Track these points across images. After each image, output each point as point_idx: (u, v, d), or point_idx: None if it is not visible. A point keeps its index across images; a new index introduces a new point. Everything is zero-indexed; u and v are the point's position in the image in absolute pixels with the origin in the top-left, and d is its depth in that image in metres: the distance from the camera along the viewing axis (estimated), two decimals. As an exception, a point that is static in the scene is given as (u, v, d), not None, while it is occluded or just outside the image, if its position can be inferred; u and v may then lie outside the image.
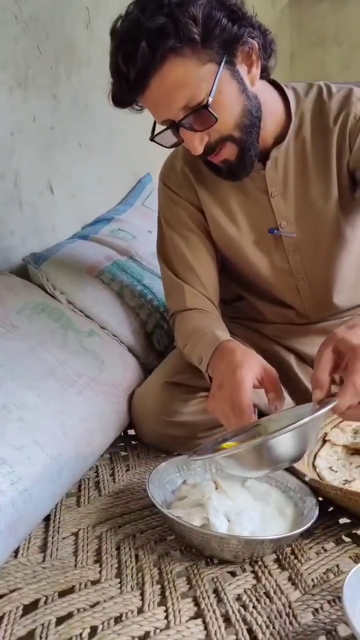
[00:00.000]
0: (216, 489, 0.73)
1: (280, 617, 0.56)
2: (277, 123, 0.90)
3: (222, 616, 0.56)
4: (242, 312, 1.09)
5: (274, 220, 0.95)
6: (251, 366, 0.76)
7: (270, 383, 0.76)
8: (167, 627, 0.55)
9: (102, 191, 1.47)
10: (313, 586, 0.61)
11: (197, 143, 0.80)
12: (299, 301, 1.00)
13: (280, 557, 0.66)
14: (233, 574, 0.63)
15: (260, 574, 0.63)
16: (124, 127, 1.53)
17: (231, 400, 0.73)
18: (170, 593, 0.59)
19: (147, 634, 0.54)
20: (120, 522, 0.72)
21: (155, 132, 0.84)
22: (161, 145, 0.85)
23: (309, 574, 0.63)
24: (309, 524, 0.64)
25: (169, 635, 0.54)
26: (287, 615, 0.56)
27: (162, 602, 0.58)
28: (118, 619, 0.56)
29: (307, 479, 0.71)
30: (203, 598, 0.59)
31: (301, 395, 0.97)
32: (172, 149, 0.96)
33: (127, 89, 0.78)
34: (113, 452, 0.92)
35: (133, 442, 0.96)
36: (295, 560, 0.65)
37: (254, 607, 0.58)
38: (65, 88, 1.32)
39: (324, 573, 0.63)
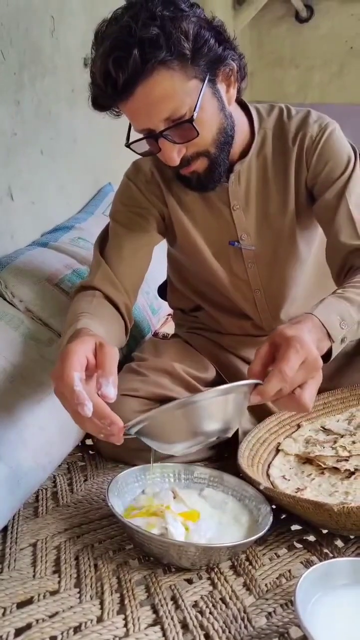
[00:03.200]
0: (174, 498, 0.75)
1: (236, 621, 0.58)
2: (242, 140, 0.95)
3: (179, 622, 0.58)
4: (200, 322, 1.12)
5: (235, 232, 0.99)
6: (84, 341, 0.70)
7: (101, 360, 0.68)
8: (127, 635, 0.56)
9: (63, 199, 1.47)
10: (267, 591, 0.63)
11: (175, 155, 0.83)
12: (255, 312, 1.05)
13: (236, 563, 0.68)
14: (190, 581, 0.65)
15: (216, 580, 0.65)
16: (87, 137, 1.54)
17: (57, 371, 0.67)
18: (129, 601, 0.60)
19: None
20: (78, 532, 0.73)
21: (132, 139, 0.86)
22: (135, 152, 0.87)
23: (262, 579, 0.65)
24: (263, 531, 0.67)
25: (128, 643, 0.55)
26: (242, 619, 0.59)
27: (121, 610, 0.59)
28: (77, 629, 0.56)
29: (262, 487, 0.74)
30: (161, 605, 0.60)
31: (257, 406, 1.00)
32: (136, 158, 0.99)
33: (112, 94, 0.79)
34: (71, 462, 0.92)
35: (91, 452, 0.96)
36: (250, 567, 0.67)
37: (210, 612, 0.60)
38: (29, 95, 1.31)
39: (276, 578, 0.66)
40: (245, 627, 0.58)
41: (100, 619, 0.58)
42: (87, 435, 0.97)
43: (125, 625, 0.57)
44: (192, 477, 0.80)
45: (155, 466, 0.79)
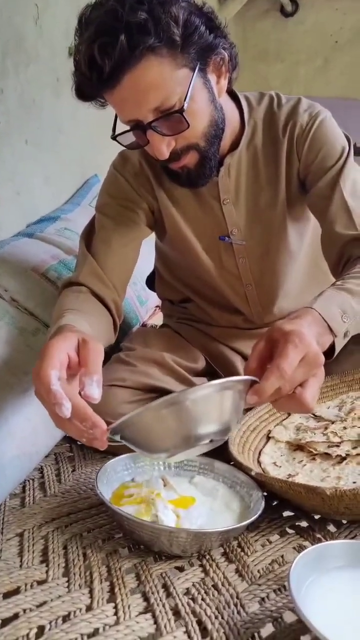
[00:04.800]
0: (164, 485, 0.73)
1: (229, 607, 0.57)
2: (232, 132, 0.92)
3: (171, 609, 0.56)
4: (190, 313, 1.11)
5: (225, 227, 0.97)
6: (66, 337, 0.65)
7: (84, 357, 0.63)
8: (117, 622, 0.54)
9: (48, 190, 1.45)
10: (259, 577, 0.62)
11: (164, 148, 0.79)
12: (247, 307, 1.03)
13: (228, 550, 0.67)
14: (181, 569, 0.64)
15: (208, 567, 0.64)
16: (73, 128, 1.52)
17: (35, 369, 0.62)
18: (119, 589, 0.59)
19: (96, 630, 0.53)
20: (67, 521, 0.71)
21: (118, 132, 0.82)
22: (122, 145, 0.84)
23: (255, 565, 0.64)
24: (255, 517, 0.65)
25: (119, 631, 0.53)
26: (235, 605, 0.57)
27: (111, 598, 0.58)
28: (66, 618, 0.55)
29: (253, 473, 0.73)
30: (152, 593, 0.58)
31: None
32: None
33: (98, 82, 0.75)
34: (58, 452, 0.90)
35: (79, 443, 0.94)
36: (242, 553, 0.66)
37: (202, 599, 0.58)
38: (12, 83, 1.29)
39: (269, 564, 0.64)
40: (239, 612, 0.56)
41: (89, 608, 0.56)
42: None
43: (116, 613, 0.55)
44: (182, 465, 0.78)
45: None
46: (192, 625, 0.54)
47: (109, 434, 0.60)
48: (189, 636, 0.53)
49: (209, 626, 0.54)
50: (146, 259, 1.23)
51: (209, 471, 0.77)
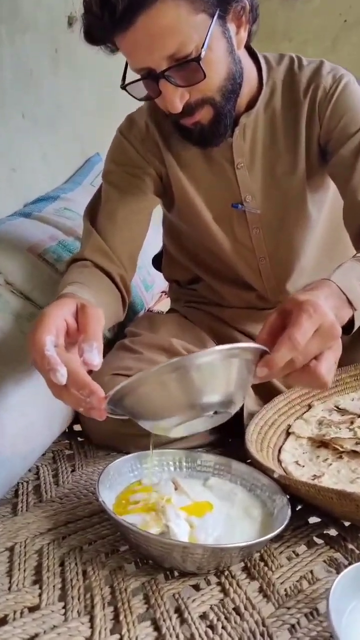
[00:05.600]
0: (175, 489, 0.63)
1: (254, 637, 0.47)
2: (249, 91, 0.83)
3: (186, 641, 0.47)
4: (199, 295, 1.01)
5: (238, 193, 0.87)
6: (63, 303, 0.61)
7: (83, 323, 0.59)
8: (122, 660, 0.45)
9: (46, 168, 1.34)
10: (287, 597, 0.52)
11: (177, 100, 0.71)
12: (260, 282, 0.93)
13: (249, 564, 0.57)
14: (197, 587, 0.54)
15: (227, 586, 0.54)
16: (73, 103, 1.41)
17: (29, 336, 0.58)
18: (125, 617, 0.49)
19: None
20: (64, 532, 0.61)
21: (128, 81, 0.73)
22: (132, 95, 0.75)
23: (281, 583, 0.54)
24: (281, 527, 0.55)
25: (125, 672, 0.44)
26: (262, 635, 0.48)
27: (116, 628, 0.48)
28: (62, 654, 0.45)
29: (275, 475, 0.63)
30: (164, 620, 0.49)
31: (263, 385, 0.89)
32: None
33: (110, 23, 0.66)
34: (56, 450, 0.80)
35: (79, 439, 0.85)
36: (266, 568, 0.56)
37: (223, 627, 0.48)
38: (7, 51, 1.17)
39: (297, 581, 0.55)
40: (266, 644, 0.47)
41: (90, 641, 0.46)
42: (75, 420, 0.86)
43: (121, 647, 0.46)
44: (195, 465, 0.69)
45: (153, 453, 0.67)
46: (212, 663, 0.45)
47: (107, 405, 0.54)
48: None
49: (233, 665, 0.44)
50: (152, 242, 1.13)
51: (225, 472, 0.67)
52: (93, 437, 0.82)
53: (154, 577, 0.54)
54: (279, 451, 0.75)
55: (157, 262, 1.11)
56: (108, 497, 0.59)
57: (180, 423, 0.54)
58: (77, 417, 0.85)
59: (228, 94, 0.75)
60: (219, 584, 0.54)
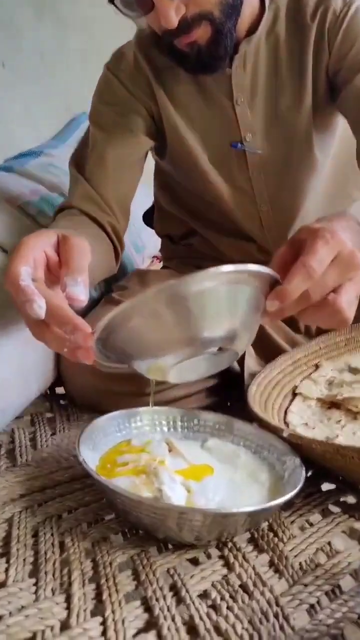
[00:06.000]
0: (169, 451, 0.54)
1: (267, 619, 0.38)
2: (251, 13, 0.73)
3: (184, 624, 0.38)
4: (194, 250, 0.91)
5: (237, 132, 0.78)
6: (42, 234, 0.52)
7: (66, 255, 0.50)
8: (105, 648, 0.35)
9: (29, 123, 1.23)
10: (303, 572, 0.43)
11: (172, 13, 0.62)
12: (261, 232, 0.84)
13: (256, 535, 0.48)
14: (195, 561, 0.45)
15: (231, 559, 0.45)
16: (58, 54, 1.30)
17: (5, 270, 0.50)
18: (110, 595, 0.40)
19: (74, 662, 0.34)
20: (39, 499, 0.51)
21: None
22: (121, 12, 0.66)
23: (295, 556, 0.45)
24: (295, 490, 0.46)
25: (108, 663, 0.34)
26: (276, 616, 0.39)
27: (98, 609, 0.38)
28: (30, 641, 0.36)
29: (285, 434, 0.53)
30: (157, 599, 0.39)
31: (265, 344, 0.80)
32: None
33: None
34: (36, 413, 0.70)
35: (62, 402, 0.75)
36: (276, 539, 0.47)
37: (228, 607, 0.39)
38: (-16, -9, 1.07)
39: (313, 554, 0.46)
40: (282, 628, 0.38)
41: (65, 625, 0.37)
42: (58, 382, 0.76)
43: (104, 632, 0.36)
44: (191, 425, 0.59)
45: (144, 411, 0.58)
46: (216, 651, 0.36)
47: (95, 346, 0.45)
48: (213, 669, 0.34)
49: (243, 653, 0.35)
50: (142, 200, 1.03)
51: (227, 433, 0.58)
52: (77, 397, 0.73)
53: (144, 550, 0.45)
54: (285, 413, 0.66)
55: (148, 217, 1.02)
56: (91, 459, 0.50)
57: (179, 362, 0.45)
58: (59, 379, 0.75)
59: (228, 9, 0.66)
60: (221, 557, 0.45)
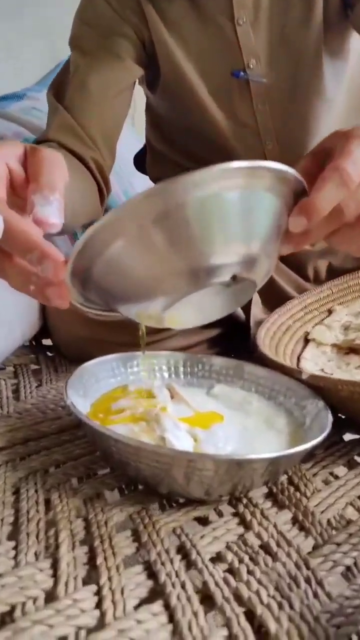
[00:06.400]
0: (172, 398, 0.47)
1: (297, 585, 0.31)
2: None
3: (197, 593, 0.30)
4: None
5: (240, 58, 0.68)
6: (5, 144, 0.41)
7: (34, 169, 0.39)
8: (102, 623, 0.28)
9: (9, 64, 1.12)
10: (333, 529, 0.36)
11: None
12: None
13: (275, 490, 0.41)
14: (204, 521, 0.37)
15: (248, 516, 0.37)
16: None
17: None
18: (105, 560, 0.32)
19: (61, 641, 0.27)
20: (22, 452, 0.43)
21: None
22: None
23: (322, 512, 0.38)
24: (324, 434, 0.38)
25: (104, 641, 0.27)
26: (307, 580, 0.31)
27: (91, 576, 0.31)
28: (7, 616, 0.28)
29: (304, 376, 0.46)
30: (162, 564, 0.32)
31: (271, 293, 0.72)
32: None
33: None
34: (20, 364, 0.62)
35: (49, 354, 0.67)
36: (298, 494, 0.40)
37: (249, 571, 0.32)
38: None
39: (343, 509, 0.39)
40: (316, 595, 0.30)
41: (51, 596, 0.30)
42: (44, 331, 0.68)
43: (99, 604, 0.29)
44: (195, 371, 0.51)
45: (142, 355, 0.50)
46: (238, 624, 0.28)
47: (72, 287, 0.35)
48: (235, 646, 0.27)
49: (272, 626, 0.28)
50: (132, 144, 0.94)
51: (236, 378, 0.50)
52: (65, 348, 0.65)
53: (145, 507, 0.38)
54: (298, 360, 0.59)
55: (140, 161, 0.92)
56: (81, 406, 0.42)
57: (178, 300, 0.35)
58: (45, 327, 0.67)
59: None
60: (235, 514, 0.38)
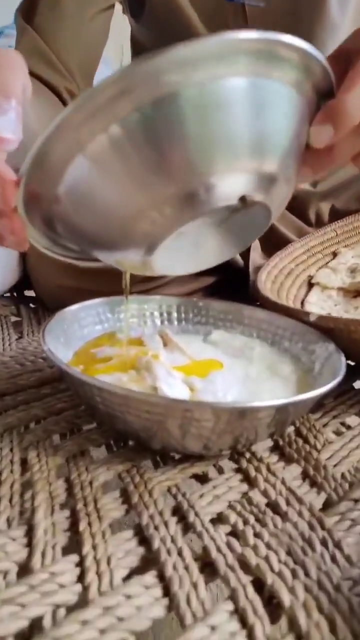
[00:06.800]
0: (164, 345, 0.41)
1: (312, 548, 0.27)
2: None
3: (196, 560, 0.26)
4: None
5: None
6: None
7: None
8: (85, 600, 0.23)
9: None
10: (349, 485, 0.32)
11: None
12: None
13: (281, 442, 0.36)
14: (203, 478, 0.33)
15: (252, 472, 0.33)
16: None
17: None
18: (90, 524, 0.27)
19: (37, 623, 0.22)
20: (-2, 407, 0.39)
21: None
22: None
23: (334, 465, 0.34)
24: (340, 375, 0.33)
25: (90, 622, 0.22)
26: (323, 542, 0.27)
27: (72, 546, 0.26)
28: (-28, 594, 0.24)
29: (312, 318, 0.40)
30: (156, 528, 0.27)
31: (271, 238, 0.66)
32: None
33: None
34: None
35: (32, 305, 0.61)
36: (307, 446, 0.35)
37: (255, 534, 0.27)
38: None
39: (358, 462, 0.34)
40: (334, 559, 0.26)
41: (25, 569, 0.25)
42: (26, 282, 0.62)
43: (81, 577, 0.24)
44: (190, 317, 0.46)
45: (130, 299, 0.44)
46: (246, 596, 0.24)
47: (21, 206, 0.28)
48: (242, 623, 0.22)
49: (285, 598, 0.24)
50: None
51: (235, 323, 0.45)
52: (48, 300, 0.59)
53: (135, 465, 0.33)
54: (302, 304, 0.53)
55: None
56: (62, 354, 0.36)
57: (166, 237, 0.27)
58: (26, 278, 0.61)
59: None
60: (238, 470, 0.33)
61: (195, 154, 0.26)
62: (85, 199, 0.27)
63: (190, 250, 0.31)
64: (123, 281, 0.38)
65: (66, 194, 0.27)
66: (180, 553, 0.26)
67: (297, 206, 0.71)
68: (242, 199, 0.28)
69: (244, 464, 0.34)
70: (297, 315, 0.42)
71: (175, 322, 0.45)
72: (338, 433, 0.37)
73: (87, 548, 0.26)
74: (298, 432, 0.37)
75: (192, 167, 0.26)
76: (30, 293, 0.63)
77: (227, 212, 0.28)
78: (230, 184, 0.27)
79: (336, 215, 0.71)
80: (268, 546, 0.27)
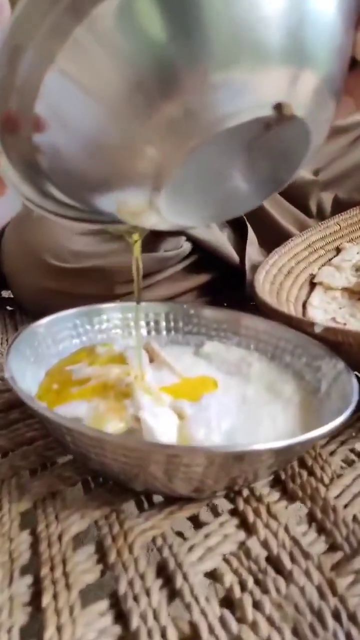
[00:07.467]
0: (150, 362, 0.36)
1: (323, 625, 0.22)
2: None
3: (181, 636, 0.21)
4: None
5: None
6: None
7: None
8: None
9: None
10: (362, 531, 0.27)
11: None
12: None
13: (283, 476, 0.31)
14: (194, 520, 0.28)
15: (250, 516, 0.28)
16: None
17: None
18: (56, 598, 0.22)
19: None
20: None
21: None
22: None
23: (345, 506, 0.29)
24: (354, 402, 0.28)
25: None
26: (335, 616, 0.22)
27: (33, 625, 0.22)
28: None
29: (317, 329, 0.35)
30: (135, 598, 0.23)
31: (270, 231, 0.61)
32: None
33: None
34: (-28, 321, 0.52)
35: (9, 308, 0.56)
36: (313, 480, 0.30)
37: (255, 604, 0.23)
38: None
39: (370, 500, 0.30)
40: (339, 619, 0.21)
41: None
42: (2, 283, 0.56)
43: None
44: (180, 326, 0.41)
45: (112, 307, 0.39)
46: None
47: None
48: None
49: None
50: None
51: (230, 333, 0.40)
52: (26, 302, 0.54)
53: (115, 509, 0.28)
54: (304, 308, 0.48)
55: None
56: (31, 376, 0.31)
57: (178, 166, 0.20)
58: (3, 278, 0.55)
59: None
60: (234, 512, 0.28)
61: (214, 39, 0.18)
62: (70, 117, 0.20)
63: (208, 193, 0.24)
64: (133, 267, 0.32)
65: (46, 113, 0.21)
66: (163, 634, 0.21)
67: (297, 196, 0.65)
68: (278, 107, 0.20)
69: (241, 504, 0.29)
70: (301, 325, 0.37)
71: (164, 332, 0.40)
72: (348, 462, 0.33)
73: (50, 632, 0.21)
74: (302, 463, 0.32)
75: (209, 59, 0.18)
76: (6, 293, 0.58)
77: (255, 131, 0.20)
78: (264, 84, 0.19)
79: (339, 206, 0.65)
80: (270, 621, 0.22)
